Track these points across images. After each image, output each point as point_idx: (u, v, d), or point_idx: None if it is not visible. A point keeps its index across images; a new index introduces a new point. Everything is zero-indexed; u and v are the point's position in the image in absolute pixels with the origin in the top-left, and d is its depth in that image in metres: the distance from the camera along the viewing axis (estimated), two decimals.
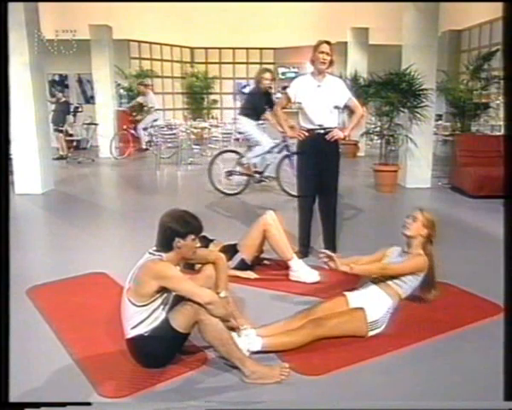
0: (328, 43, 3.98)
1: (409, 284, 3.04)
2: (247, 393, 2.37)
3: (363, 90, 8.10)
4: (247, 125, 6.67)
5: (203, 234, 3.68)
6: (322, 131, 4.02)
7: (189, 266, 2.97)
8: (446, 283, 3.71)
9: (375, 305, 2.90)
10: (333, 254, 2.97)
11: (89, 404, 2.13)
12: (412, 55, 7.30)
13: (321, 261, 3.07)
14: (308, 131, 4.04)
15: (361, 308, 2.87)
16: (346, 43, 11.64)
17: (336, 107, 4.08)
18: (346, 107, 4.19)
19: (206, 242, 3.83)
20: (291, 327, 2.79)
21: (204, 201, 6.48)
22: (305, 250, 4.24)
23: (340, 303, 2.96)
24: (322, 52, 3.94)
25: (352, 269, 2.95)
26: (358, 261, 3.20)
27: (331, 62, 3.98)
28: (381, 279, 3.02)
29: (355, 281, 3.27)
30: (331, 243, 4.20)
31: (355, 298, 2.98)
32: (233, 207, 6.36)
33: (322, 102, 4.01)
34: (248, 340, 2.63)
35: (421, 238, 3.10)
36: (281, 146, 6.58)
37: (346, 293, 3.04)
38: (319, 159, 4.05)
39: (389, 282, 3.00)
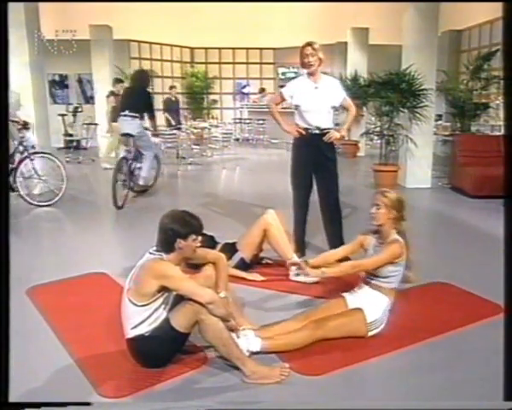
0: (309, 44, 3.96)
1: (395, 276, 2.91)
2: (247, 393, 2.37)
3: (363, 90, 8.12)
4: None
5: (210, 235, 3.70)
6: (318, 132, 4.03)
7: (192, 266, 2.95)
8: (447, 283, 3.72)
9: (372, 305, 2.89)
10: (300, 261, 2.94)
11: (89, 404, 2.13)
12: (412, 55, 7.30)
13: (293, 274, 3.01)
14: (305, 130, 4.06)
15: (360, 309, 2.87)
16: (346, 43, 11.65)
17: (333, 107, 4.09)
18: (342, 106, 4.21)
19: (213, 243, 3.83)
20: (291, 329, 2.79)
21: (204, 200, 6.50)
22: (301, 248, 4.23)
23: (339, 305, 2.96)
24: (306, 55, 3.94)
25: (324, 273, 2.92)
26: (332, 256, 3.16)
27: (320, 60, 3.97)
28: (370, 280, 2.95)
29: (354, 282, 3.26)
30: (338, 244, 4.17)
31: (353, 299, 2.97)
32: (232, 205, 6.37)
33: (320, 103, 4.02)
34: (247, 340, 2.63)
35: (391, 221, 2.92)
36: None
37: (345, 294, 3.04)
38: (316, 159, 4.07)
39: (378, 282, 2.92)
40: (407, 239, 2.94)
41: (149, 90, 7.00)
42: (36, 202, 6.24)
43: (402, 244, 2.88)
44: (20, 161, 6.18)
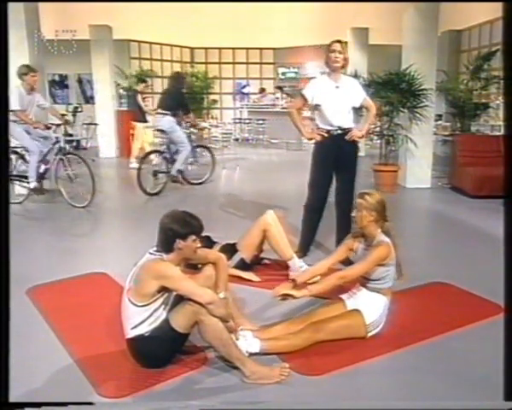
0: (339, 41, 3.97)
1: (388, 276, 2.88)
2: (247, 393, 2.37)
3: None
4: None
5: (207, 235, 3.70)
6: (340, 132, 4.01)
7: (192, 266, 2.95)
8: (447, 283, 3.72)
9: (371, 306, 2.88)
10: (287, 291, 2.88)
11: (89, 404, 2.13)
12: (412, 55, 7.30)
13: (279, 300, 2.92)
14: (327, 132, 4.03)
15: (358, 311, 2.86)
16: (346, 43, 11.63)
17: (353, 107, 4.07)
18: (363, 106, 4.19)
19: (210, 243, 3.82)
20: (291, 330, 2.79)
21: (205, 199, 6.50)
22: (304, 250, 4.23)
23: (338, 307, 2.96)
24: (334, 51, 3.92)
25: (311, 291, 2.89)
26: (320, 269, 3.12)
27: (345, 60, 3.97)
28: (366, 283, 2.94)
29: (353, 282, 3.26)
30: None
31: (352, 301, 2.97)
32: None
33: (341, 103, 3.99)
34: (246, 342, 2.63)
35: (374, 223, 2.89)
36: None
37: (343, 296, 3.03)
38: (338, 159, 4.04)
39: (372, 284, 2.91)
40: (393, 238, 2.92)
41: (184, 90, 7.68)
42: (77, 204, 6.16)
43: (388, 245, 2.85)
44: (58, 162, 6.13)
